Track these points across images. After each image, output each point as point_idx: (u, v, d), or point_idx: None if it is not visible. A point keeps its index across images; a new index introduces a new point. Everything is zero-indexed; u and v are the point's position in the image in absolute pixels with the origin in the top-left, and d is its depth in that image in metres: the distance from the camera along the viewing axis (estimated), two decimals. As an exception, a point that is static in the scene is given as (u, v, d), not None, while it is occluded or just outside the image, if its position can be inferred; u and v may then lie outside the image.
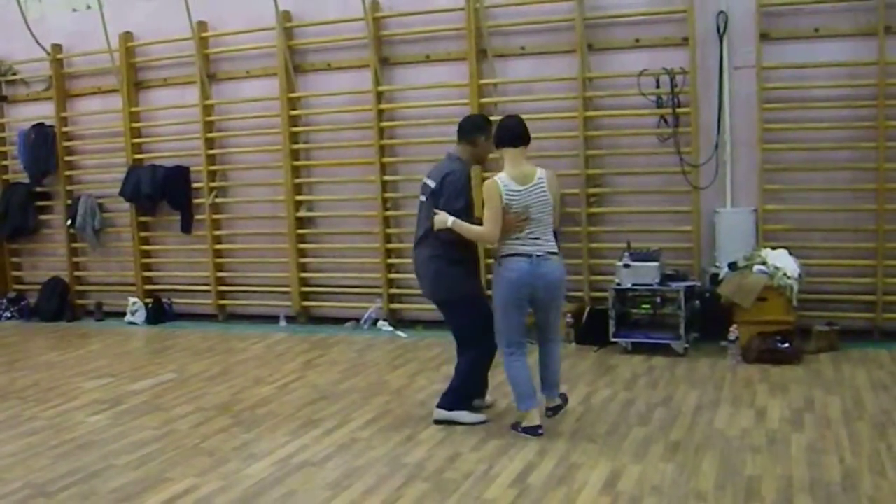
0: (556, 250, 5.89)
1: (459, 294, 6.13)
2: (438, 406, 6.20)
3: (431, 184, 6.08)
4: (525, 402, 5.89)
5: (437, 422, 6.15)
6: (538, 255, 5.77)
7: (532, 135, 5.98)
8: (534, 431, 5.82)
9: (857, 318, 8.24)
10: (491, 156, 6.33)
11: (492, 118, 6.55)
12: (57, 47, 10.86)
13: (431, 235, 6.03)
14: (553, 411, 6.09)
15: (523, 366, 5.91)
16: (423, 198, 6.17)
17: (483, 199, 5.78)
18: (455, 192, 5.95)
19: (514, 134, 5.87)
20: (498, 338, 5.97)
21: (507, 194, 5.70)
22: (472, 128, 6.21)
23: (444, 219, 5.87)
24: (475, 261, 6.45)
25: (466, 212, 5.97)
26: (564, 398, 6.21)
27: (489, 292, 6.13)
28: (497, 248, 5.90)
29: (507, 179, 5.75)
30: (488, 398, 6.47)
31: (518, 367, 5.91)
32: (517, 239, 5.77)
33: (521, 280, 5.76)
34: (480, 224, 5.85)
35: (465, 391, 6.22)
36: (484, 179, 6.57)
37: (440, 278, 6.11)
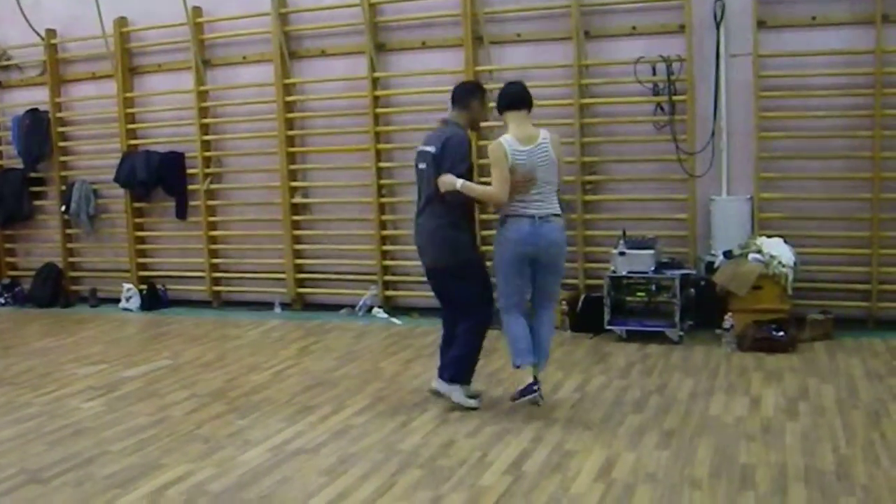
0: (558, 212, 5.98)
1: (465, 259, 6.14)
2: (440, 377, 6.23)
3: (431, 149, 6.04)
4: (520, 357, 5.98)
5: (434, 392, 6.25)
6: (541, 217, 5.85)
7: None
8: (529, 390, 5.92)
9: (852, 307, 8.25)
10: (493, 122, 6.29)
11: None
12: (51, 32, 10.80)
13: (436, 202, 6.03)
14: (537, 386, 6.01)
15: (522, 324, 6.00)
16: (421, 165, 6.13)
17: (490, 162, 5.85)
18: (459, 155, 5.97)
19: (518, 98, 5.98)
20: (500, 298, 6.05)
21: (513, 154, 5.78)
22: (466, 93, 6.24)
23: (451, 181, 5.87)
24: (475, 227, 6.45)
25: (469, 175, 6.01)
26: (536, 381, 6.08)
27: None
28: (502, 209, 5.95)
29: (512, 140, 5.83)
30: (474, 388, 6.37)
31: (517, 324, 6.01)
32: (521, 200, 5.85)
33: (523, 240, 5.86)
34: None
35: (469, 361, 6.21)
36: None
37: (447, 244, 6.10)
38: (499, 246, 6.00)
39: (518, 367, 6.01)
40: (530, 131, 5.90)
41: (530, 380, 5.94)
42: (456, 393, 6.16)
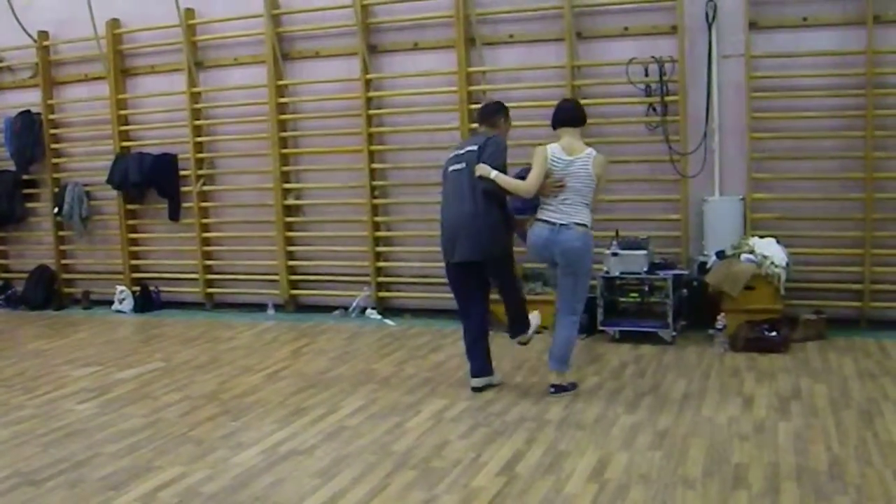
0: (584, 222, 6.28)
1: (508, 249, 6.63)
2: (513, 336, 6.76)
3: (473, 148, 6.52)
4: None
5: (522, 344, 6.82)
6: (562, 224, 6.22)
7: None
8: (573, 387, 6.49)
9: (845, 307, 8.27)
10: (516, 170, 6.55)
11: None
12: (43, 34, 10.80)
13: (477, 196, 6.39)
14: (555, 389, 6.39)
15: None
16: (458, 166, 6.53)
17: (532, 161, 6.27)
18: (498, 150, 6.44)
19: (570, 115, 6.46)
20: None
21: (552, 160, 6.22)
22: (493, 112, 6.74)
23: (487, 170, 6.31)
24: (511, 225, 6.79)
25: (503, 172, 6.39)
26: (557, 388, 6.41)
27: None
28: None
29: (557, 148, 6.28)
30: (496, 378, 6.73)
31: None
32: (549, 205, 6.28)
33: (540, 245, 6.33)
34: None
35: (524, 310, 6.72)
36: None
37: (493, 233, 6.45)
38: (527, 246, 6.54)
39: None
40: (577, 146, 6.31)
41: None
42: (534, 319, 6.77)
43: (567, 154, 6.23)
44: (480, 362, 6.63)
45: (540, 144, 6.34)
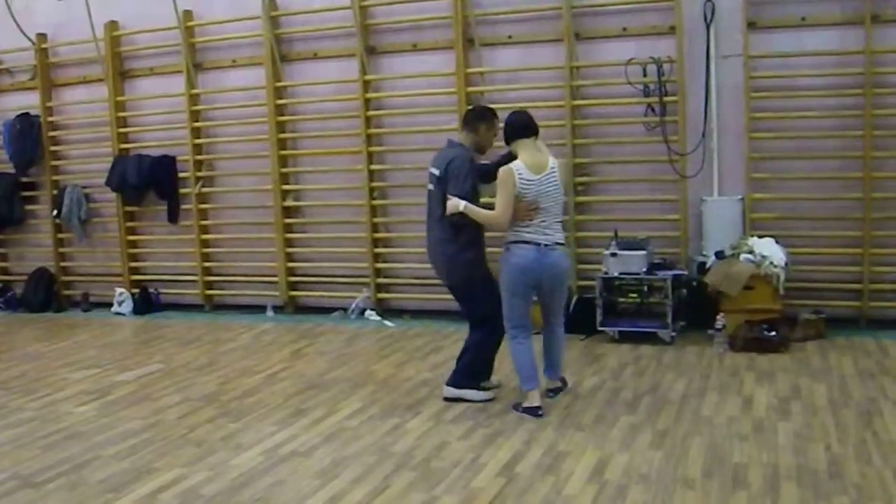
0: (562, 241, 6.11)
1: (472, 278, 6.32)
2: (448, 384, 6.42)
3: (436, 172, 6.22)
4: (527, 384, 6.11)
5: (447, 399, 6.37)
6: (546, 245, 5.97)
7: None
8: (533, 412, 5.99)
9: (844, 307, 8.27)
10: (502, 151, 6.38)
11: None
12: (42, 36, 10.79)
13: (443, 222, 6.19)
14: (554, 392, 6.38)
15: (527, 349, 6.12)
16: (430, 186, 6.32)
17: (497, 185, 5.91)
18: (461, 177, 6.09)
19: (522, 126, 6.09)
20: (504, 321, 6.15)
21: (521, 183, 5.87)
22: (475, 117, 6.39)
23: (456, 203, 6.02)
24: (483, 245, 6.50)
25: (472, 196, 6.12)
26: (564, 381, 6.52)
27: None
28: (506, 234, 6.07)
29: (523, 168, 5.91)
30: (494, 379, 6.63)
31: (522, 350, 6.12)
32: (526, 227, 5.97)
33: (528, 267, 5.98)
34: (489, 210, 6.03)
35: (473, 369, 6.41)
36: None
37: (454, 263, 6.30)
38: (504, 272, 6.07)
39: (526, 391, 6.13)
40: (540, 159, 6.01)
41: (537, 402, 6.04)
42: (469, 394, 6.35)
43: (534, 173, 5.89)
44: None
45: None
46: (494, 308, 6.18)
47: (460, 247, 6.23)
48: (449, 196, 6.07)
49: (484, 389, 6.41)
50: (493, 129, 6.35)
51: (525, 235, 5.97)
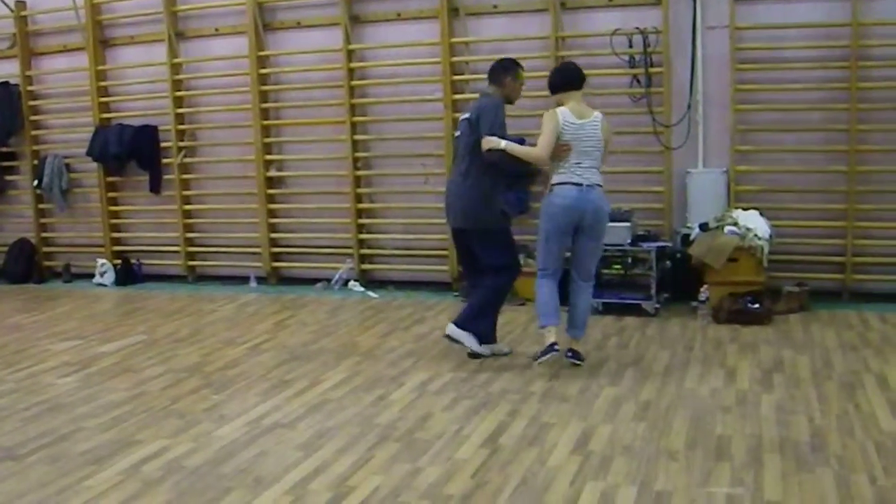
0: (601, 183, 6.27)
1: (496, 223, 6.53)
2: (454, 322, 6.54)
3: (469, 116, 6.44)
4: (545, 319, 6.30)
5: (447, 336, 6.54)
6: (587, 185, 6.15)
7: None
8: (550, 349, 6.20)
9: (827, 279, 8.30)
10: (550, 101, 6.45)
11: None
12: (21, 4, 10.65)
13: (473, 168, 6.39)
14: (573, 354, 6.34)
15: (552, 290, 6.33)
16: (457, 132, 6.59)
17: (542, 125, 6.15)
18: (491, 118, 6.29)
19: (570, 77, 6.34)
20: (537, 263, 6.41)
21: (564, 124, 6.11)
22: (499, 69, 6.55)
23: (496, 141, 6.19)
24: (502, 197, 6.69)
25: (503, 137, 6.27)
26: (577, 354, 6.42)
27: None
28: (549, 177, 6.29)
29: (567, 112, 6.16)
30: (504, 347, 6.79)
31: (548, 289, 6.33)
32: (566, 170, 6.15)
33: (570, 206, 6.14)
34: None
35: (483, 314, 6.56)
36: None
37: (488, 206, 6.44)
38: (546, 213, 6.25)
39: (543, 327, 6.31)
40: (585, 110, 6.22)
41: (552, 339, 6.21)
42: (468, 338, 6.46)
43: (577, 118, 6.13)
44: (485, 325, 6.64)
45: (528, 115, 6.30)
46: (515, 254, 6.64)
47: (488, 194, 6.40)
48: (484, 136, 6.23)
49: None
50: (518, 79, 6.54)
51: (567, 177, 6.14)
